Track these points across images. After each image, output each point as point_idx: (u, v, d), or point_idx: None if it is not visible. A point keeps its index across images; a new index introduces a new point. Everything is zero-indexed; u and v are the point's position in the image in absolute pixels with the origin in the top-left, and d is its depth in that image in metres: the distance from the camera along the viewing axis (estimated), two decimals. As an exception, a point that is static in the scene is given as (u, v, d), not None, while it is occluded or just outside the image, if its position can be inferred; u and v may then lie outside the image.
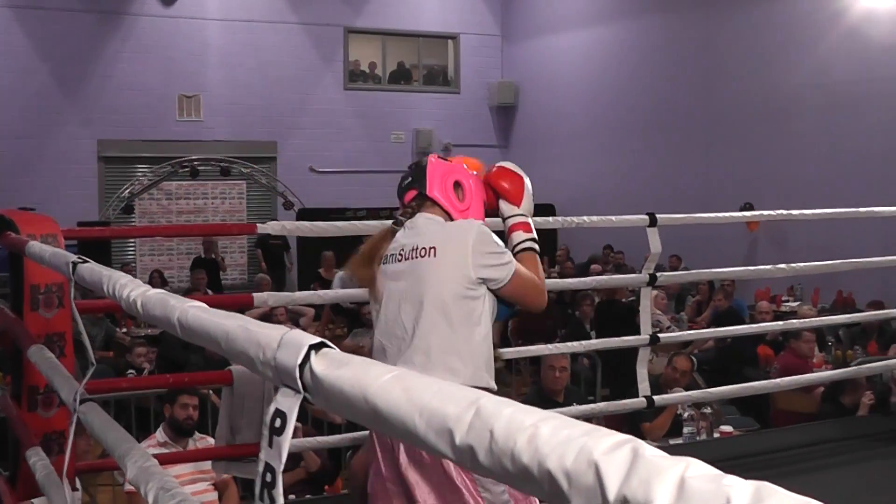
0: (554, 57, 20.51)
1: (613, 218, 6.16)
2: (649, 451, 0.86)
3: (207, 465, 5.61)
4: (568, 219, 6.05)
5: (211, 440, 5.95)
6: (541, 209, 16.12)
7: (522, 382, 10.83)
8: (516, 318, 12.14)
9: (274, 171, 19.60)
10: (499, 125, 21.73)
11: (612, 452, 0.86)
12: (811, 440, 6.71)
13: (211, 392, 7.63)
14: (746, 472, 3.23)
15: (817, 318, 9.58)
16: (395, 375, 1.19)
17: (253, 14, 19.46)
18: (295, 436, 5.00)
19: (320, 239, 6.48)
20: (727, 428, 7.22)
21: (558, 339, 10.38)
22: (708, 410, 7.40)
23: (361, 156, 20.15)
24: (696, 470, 0.81)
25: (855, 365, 8.67)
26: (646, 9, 18.35)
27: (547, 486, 0.91)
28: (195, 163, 18.58)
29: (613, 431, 0.91)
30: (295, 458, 6.50)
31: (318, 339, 1.40)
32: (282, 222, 5.92)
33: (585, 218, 6.07)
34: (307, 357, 1.38)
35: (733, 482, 0.78)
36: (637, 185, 17.56)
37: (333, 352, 1.38)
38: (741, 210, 13.64)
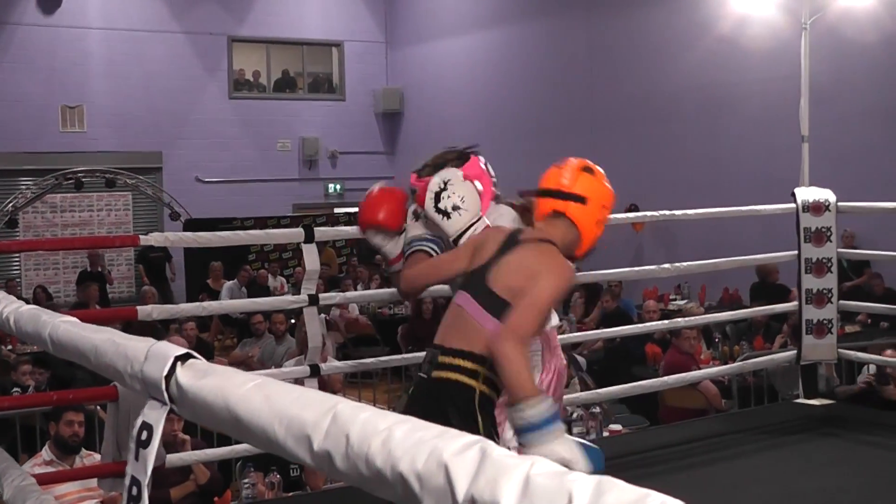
0: (439, 62, 20.57)
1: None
2: (497, 451, 0.87)
3: (95, 482, 5.52)
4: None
5: (98, 457, 5.85)
6: (429, 214, 15.84)
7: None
8: (407, 324, 12.17)
9: (160, 182, 19.34)
10: (385, 132, 21.71)
11: (461, 453, 0.87)
12: (699, 435, 6.81)
13: (98, 408, 7.50)
14: (635, 468, 3.31)
15: (702, 316, 9.74)
16: (257, 384, 1.19)
17: (135, 23, 19.19)
18: (183, 448, 4.94)
19: (208, 249, 6.46)
20: (616, 427, 7.30)
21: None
22: (597, 410, 7.48)
23: (248, 165, 20.01)
24: (542, 468, 0.82)
25: (741, 360, 8.85)
26: (529, 13, 18.49)
27: (400, 488, 0.91)
28: (79, 175, 18.23)
29: (465, 433, 0.91)
30: (184, 471, 6.42)
31: (183, 351, 1.39)
32: (165, 233, 5.86)
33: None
34: (173, 368, 1.37)
35: (576, 478, 0.79)
36: (524, 187, 17.64)
37: (199, 362, 1.37)
38: (626, 211, 13.84)
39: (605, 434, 7.17)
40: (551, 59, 18.05)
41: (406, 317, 13.01)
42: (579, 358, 10.61)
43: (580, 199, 3.59)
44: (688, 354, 9.03)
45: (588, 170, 3.68)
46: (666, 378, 7.29)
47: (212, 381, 1.26)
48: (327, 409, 1.05)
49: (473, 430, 3.20)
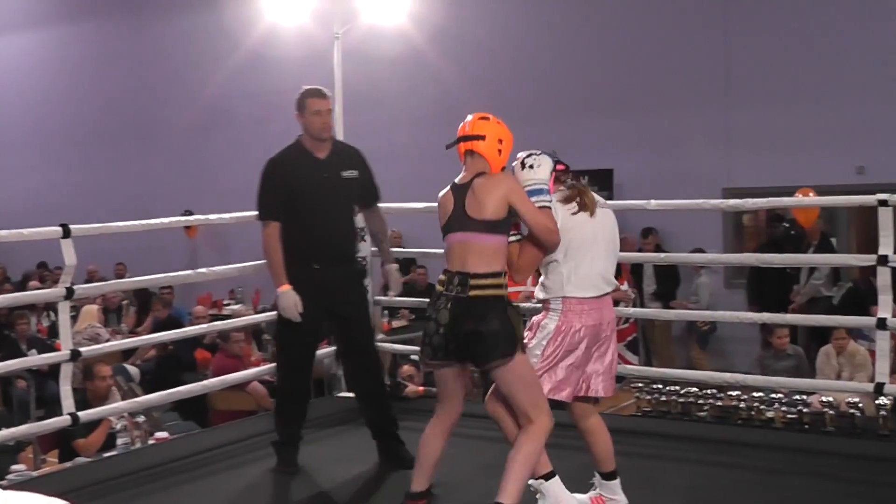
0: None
1: (24, 231, 6.04)
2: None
3: None
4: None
5: None
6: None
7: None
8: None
9: None
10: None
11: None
12: (245, 435, 6.93)
13: None
14: (178, 474, 3.37)
15: (248, 317, 9.91)
16: None
17: None
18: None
19: None
20: (163, 434, 7.26)
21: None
22: (142, 419, 7.45)
23: None
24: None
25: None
26: (79, 14, 18.03)
27: None
28: None
29: None
30: None
31: None
32: None
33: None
34: None
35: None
36: (82, 195, 17.18)
37: None
38: (182, 216, 13.79)
39: (152, 442, 7.13)
40: (104, 62, 17.75)
41: None
42: (131, 368, 10.52)
43: (480, 138, 4.66)
44: (236, 357, 9.17)
45: (484, 118, 4.73)
46: (207, 381, 7.38)
47: None
48: None
49: (510, 331, 4.42)
